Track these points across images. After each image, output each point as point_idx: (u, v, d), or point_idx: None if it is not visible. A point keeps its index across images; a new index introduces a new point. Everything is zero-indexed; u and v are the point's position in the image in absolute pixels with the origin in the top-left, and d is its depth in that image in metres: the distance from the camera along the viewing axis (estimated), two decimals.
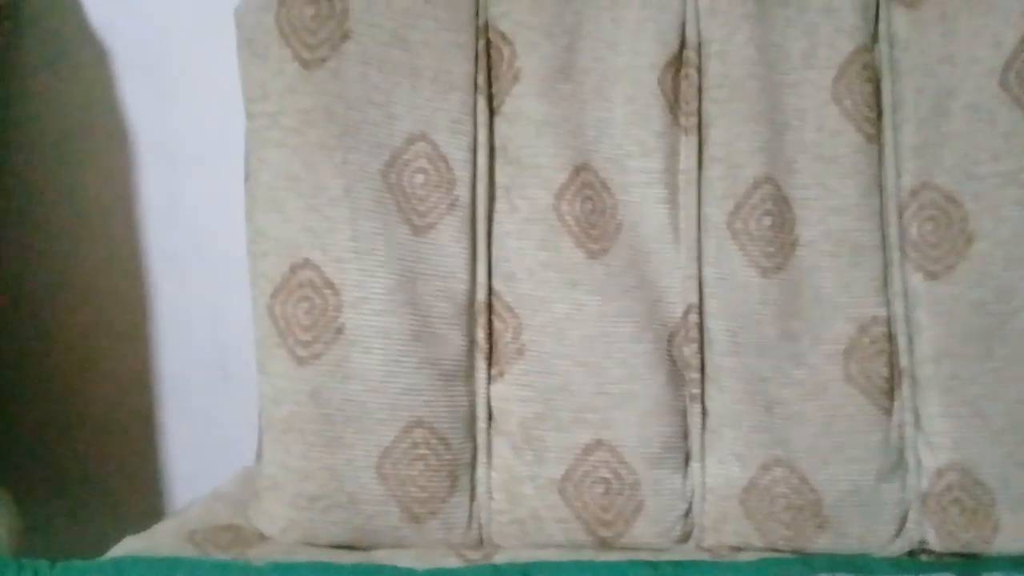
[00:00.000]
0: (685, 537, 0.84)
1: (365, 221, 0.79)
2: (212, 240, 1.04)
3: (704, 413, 0.85)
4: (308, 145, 0.78)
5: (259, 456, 0.82)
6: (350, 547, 0.80)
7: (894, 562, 0.79)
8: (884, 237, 0.86)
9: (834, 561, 0.78)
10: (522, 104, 0.83)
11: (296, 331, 0.78)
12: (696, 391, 0.84)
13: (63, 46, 1.01)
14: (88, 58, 1.00)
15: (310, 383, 0.78)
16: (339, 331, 0.78)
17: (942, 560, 0.82)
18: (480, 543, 0.83)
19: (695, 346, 0.84)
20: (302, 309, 0.78)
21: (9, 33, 0.96)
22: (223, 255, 0.97)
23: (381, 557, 0.78)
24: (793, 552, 0.82)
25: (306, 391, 0.78)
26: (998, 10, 0.84)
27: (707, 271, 0.85)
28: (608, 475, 0.82)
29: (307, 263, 0.78)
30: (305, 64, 0.79)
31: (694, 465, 0.84)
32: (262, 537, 0.79)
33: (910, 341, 0.85)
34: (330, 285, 0.78)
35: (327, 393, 0.78)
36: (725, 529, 0.83)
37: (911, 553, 0.84)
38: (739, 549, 0.83)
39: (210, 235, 1.03)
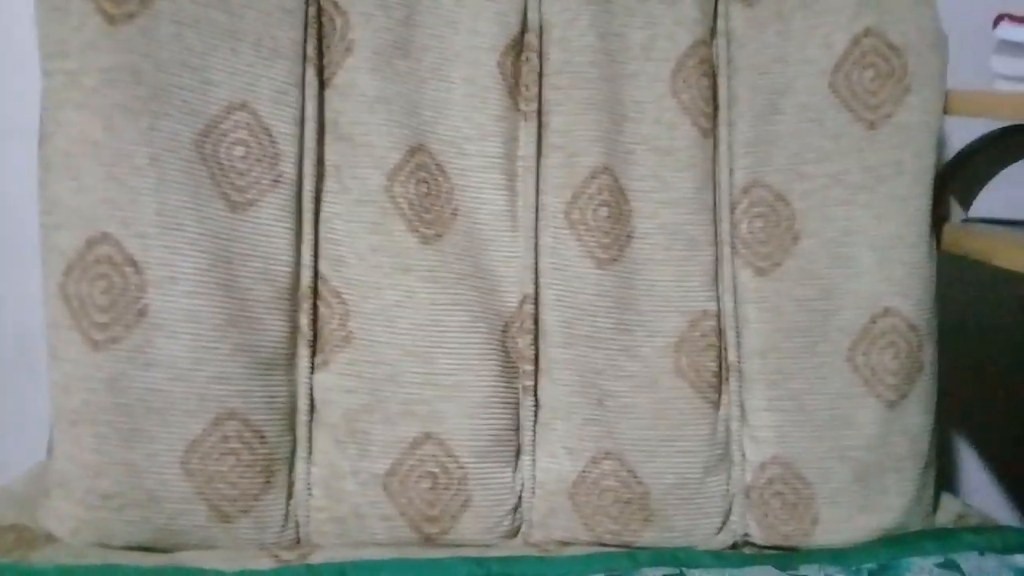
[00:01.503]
0: (513, 533, 0.82)
1: (173, 194, 0.72)
2: (12, 213, 0.94)
3: (536, 406, 0.83)
4: (110, 107, 0.71)
5: (49, 450, 0.75)
6: (150, 548, 0.73)
7: (717, 555, 0.80)
8: (716, 232, 0.86)
9: (659, 555, 0.78)
10: (355, 77, 0.79)
11: (92, 312, 0.71)
12: (529, 383, 0.82)
13: None
14: None
15: (106, 370, 0.71)
16: (141, 313, 0.72)
17: (763, 553, 0.84)
18: (297, 543, 0.78)
19: (529, 337, 0.82)
20: (99, 288, 0.71)
21: None
22: (25, 230, 0.88)
23: (186, 559, 0.72)
24: (620, 546, 0.82)
25: (101, 379, 0.71)
26: (831, 12, 0.86)
27: (544, 261, 0.83)
28: (436, 469, 0.79)
29: (106, 237, 0.71)
30: (110, 19, 0.71)
31: (524, 459, 0.82)
32: (50, 538, 0.72)
33: (738, 336, 0.86)
34: (131, 262, 0.71)
35: (126, 381, 0.71)
36: (553, 524, 0.82)
37: (734, 546, 0.85)
38: (567, 544, 0.82)
39: (10, 208, 0.94)
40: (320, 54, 0.80)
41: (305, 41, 0.79)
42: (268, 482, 0.76)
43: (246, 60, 0.76)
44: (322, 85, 0.80)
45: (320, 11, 0.80)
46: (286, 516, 0.77)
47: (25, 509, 0.74)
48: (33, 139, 0.89)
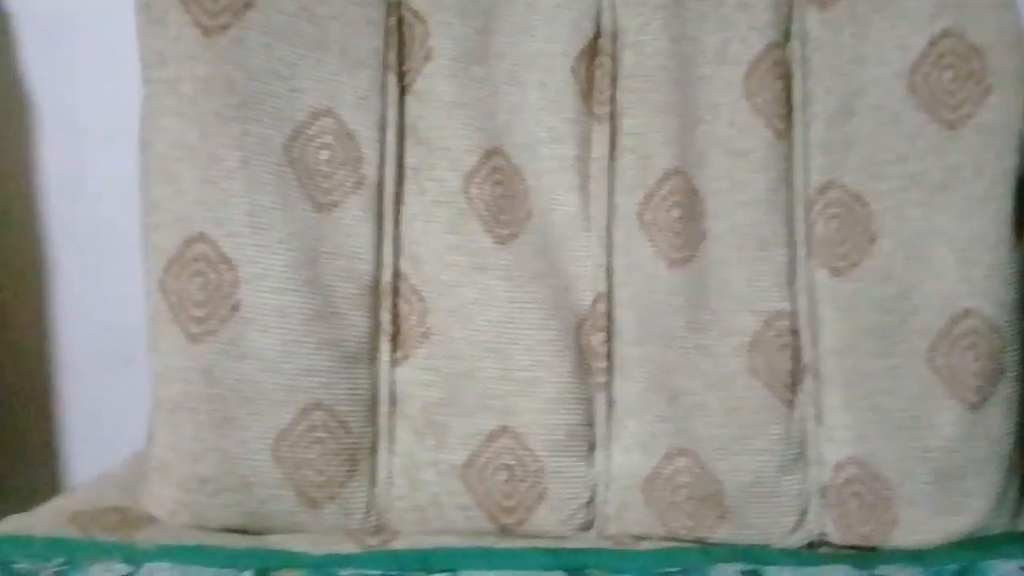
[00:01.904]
0: (587, 525, 0.83)
1: (263, 195, 0.77)
2: (116, 217, 1.00)
3: (610, 402, 0.84)
4: (205, 114, 0.75)
5: (149, 437, 0.79)
6: (242, 531, 0.77)
7: (793, 553, 0.80)
8: (791, 233, 0.87)
9: (733, 551, 0.78)
10: (433, 84, 0.82)
11: (189, 307, 0.76)
12: (602, 380, 0.84)
13: None
14: None
15: (202, 361, 0.75)
16: (235, 308, 0.76)
17: (840, 552, 0.83)
18: (379, 529, 0.81)
19: (603, 335, 0.84)
20: (195, 284, 0.76)
21: None
22: (127, 233, 0.93)
23: (275, 542, 0.75)
24: (694, 541, 0.82)
25: (198, 369, 0.75)
26: (907, 14, 0.85)
27: (617, 260, 0.85)
28: (511, 462, 0.81)
29: (202, 236, 0.75)
30: (205, 31, 0.76)
31: (599, 453, 0.84)
32: (150, 519, 0.76)
33: (814, 336, 0.86)
34: (225, 260, 0.76)
35: (220, 372, 0.75)
36: (627, 518, 0.83)
37: (810, 545, 0.85)
38: (641, 538, 0.83)
39: (114, 212, 1.00)
40: (400, 61, 0.83)
41: (386, 49, 0.82)
42: (352, 470, 0.79)
43: (331, 69, 0.80)
44: (402, 91, 0.83)
45: (401, 21, 0.83)
46: (369, 503, 0.81)
47: (127, 492, 0.79)
48: (122, 145, 0.95)
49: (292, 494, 0.77)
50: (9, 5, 0.96)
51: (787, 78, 0.88)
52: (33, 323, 1.03)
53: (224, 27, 0.77)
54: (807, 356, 0.86)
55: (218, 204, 0.75)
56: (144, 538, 0.72)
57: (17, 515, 0.74)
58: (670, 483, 0.83)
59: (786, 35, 0.88)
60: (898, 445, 0.84)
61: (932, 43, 0.85)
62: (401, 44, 0.83)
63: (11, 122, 0.99)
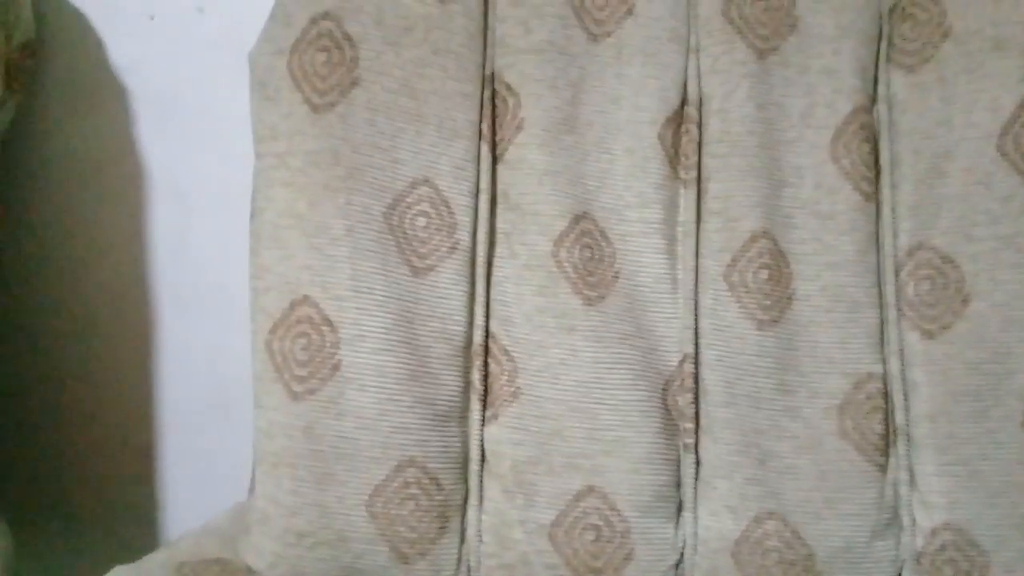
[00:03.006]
0: None
1: (365, 261, 0.80)
2: (218, 278, 1.05)
3: (697, 463, 0.84)
4: (313, 185, 0.80)
5: (251, 490, 0.83)
6: None
7: None
8: (881, 294, 0.86)
9: None
10: (525, 152, 0.85)
11: (293, 366, 0.79)
12: (690, 441, 0.84)
13: (84, 84, 1.04)
14: (108, 97, 1.03)
15: (304, 418, 0.79)
16: (335, 368, 0.79)
17: None
18: None
19: (690, 396, 0.85)
20: (299, 345, 0.79)
21: (32, 71, 0.99)
22: (228, 292, 0.98)
23: None
24: None
25: (300, 426, 0.79)
26: (996, 76, 0.85)
27: (704, 322, 0.85)
28: (599, 522, 0.82)
29: (307, 300, 0.79)
30: (314, 108, 0.81)
31: (686, 515, 0.84)
32: (250, 571, 0.79)
33: (905, 399, 0.85)
34: (328, 322, 0.79)
35: (320, 429, 0.79)
36: None
37: None
38: None
39: (216, 272, 1.05)
40: (493, 132, 0.87)
41: (480, 121, 0.86)
42: (443, 527, 0.81)
43: (429, 140, 0.84)
44: (494, 160, 0.86)
45: (495, 93, 0.87)
46: (459, 560, 0.82)
47: (227, 544, 0.82)
48: (224, 211, 1.00)
49: (386, 549, 0.79)
50: (126, 81, 1.03)
51: (874, 141, 0.88)
52: (139, 378, 1.08)
53: (332, 104, 0.81)
54: (899, 419, 0.85)
55: (324, 269, 0.79)
56: None
57: (124, 566, 0.77)
58: (759, 547, 0.82)
59: (872, 99, 0.89)
60: (995, 511, 0.82)
61: (1022, 104, 0.84)
62: (494, 116, 0.87)
63: (125, 190, 1.05)
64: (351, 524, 0.79)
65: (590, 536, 0.82)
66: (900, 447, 0.84)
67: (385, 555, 0.79)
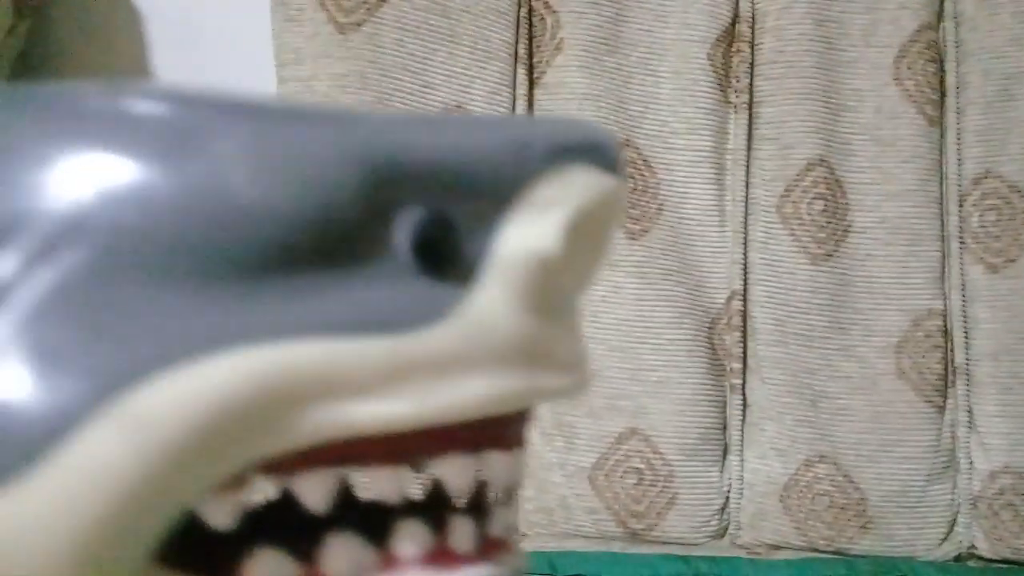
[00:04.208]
0: (721, 533, 0.80)
1: None
2: None
3: (744, 405, 0.81)
4: None
5: None
6: None
7: (941, 567, 0.76)
8: (943, 226, 0.82)
9: (878, 563, 0.75)
10: (564, 76, 0.80)
11: None
12: (737, 381, 0.81)
13: (97, 8, 1.00)
14: (121, 22, 0.99)
15: None
16: None
17: (992, 566, 0.79)
18: None
19: (738, 334, 0.81)
20: None
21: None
22: None
23: None
24: (834, 553, 0.79)
25: None
26: None
27: (753, 256, 0.81)
28: (641, 465, 0.79)
29: None
30: (340, 28, 0.76)
31: (732, 459, 0.81)
32: None
33: (967, 336, 0.81)
34: None
35: None
36: (763, 526, 0.80)
37: (958, 558, 0.80)
38: (777, 547, 0.79)
39: None
40: (531, 54, 0.81)
41: (516, 42, 0.81)
42: None
43: (462, 63, 0.79)
44: (531, 84, 0.81)
45: (531, 12, 0.81)
46: None
47: None
48: None
49: None
50: (140, 6, 0.99)
51: (940, 61, 0.82)
52: None
53: (358, 24, 0.76)
54: (959, 358, 0.81)
55: None
56: None
57: None
58: (809, 491, 0.79)
59: (939, 16, 0.83)
60: None
61: None
62: (531, 36, 0.81)
63: None
64: None
65: (632, 479, 0.79)
66: (960, 387, 0.81)
67: None
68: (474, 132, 0.20)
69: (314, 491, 0.18)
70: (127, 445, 0.15)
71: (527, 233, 0.19)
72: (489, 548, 0.20)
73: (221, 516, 0.17)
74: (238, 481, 0.17)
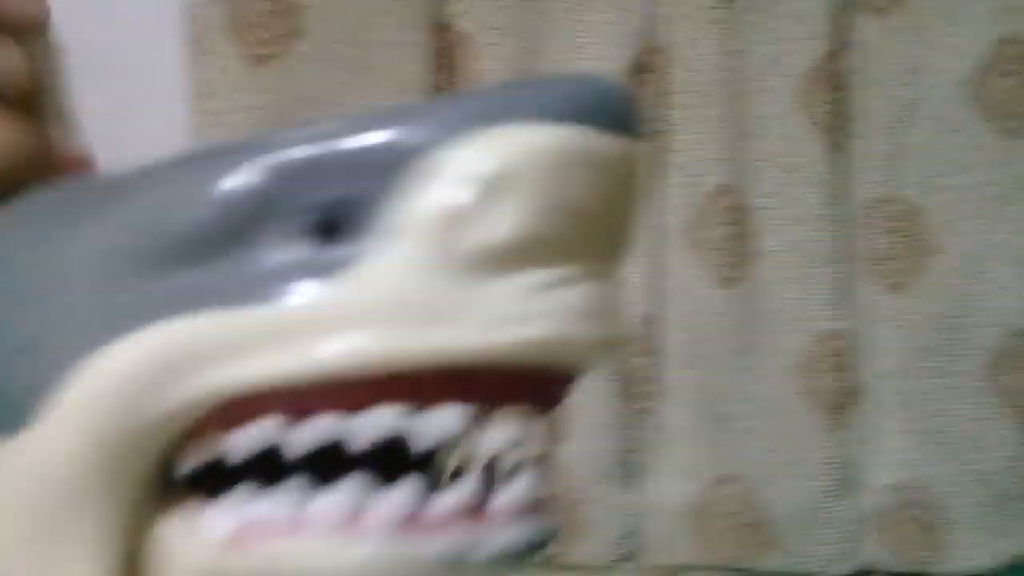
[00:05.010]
0: (630, 555, 0.82)
1: None
2: None
3: (656, 428, 0.83)
4: None
5: None
6: None
7: None
8: (846, 249, 0.85)
9: None
10: None
11: None
12: (649, 404, 0.83)
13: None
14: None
15: None
16: None
17: None
18: None
19: (649, 358, 0.83)
20: None
21: None
22: None
23: None
24: (741, 571, 0.82)
25: None
26: (967, 22, 0.82)
27: (664, 281, 0.83)
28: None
29: None
30: (255, 60, 0.76)
31: (644, 481, 0.83)
32: None
33: (868, 356, 0.84)
34: None
35: None
36: (673, 547, 0.82)
37: (861, 572, 0.84)
38: (686, 568, 0.82)
39: None
40: (449, 84, 0.82)
41: (434, 72, 0.81)
42: None
43: (378, 94, 0.79)
44: None
45: (449, 43, 0.82)
46: None
47: None
48: None
49: None
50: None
51: (843, 89, 0.85)
52: None
53: (272, 56, 0.76)
54: (861, 376, 0.84)
55: None
56: None
57: None
58: (716, 510, 0.82)
59: (842, 45, 0.86)
60: (953, 467, 0.82)
61: (995, 50, 0.82)
62: (451, 66, 0.82)
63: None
64: None
65: None
66: (861, 405, 0.84)
67: None
68: (361, 121, 0.21)
69: (256, 439, 0.21)
70: (93, 398, 0.21)
71: (430, 195, 0.21)
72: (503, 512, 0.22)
73: (189, 462, 0.22)
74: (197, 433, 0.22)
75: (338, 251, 0.21)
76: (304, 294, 0.21)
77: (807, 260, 0.84)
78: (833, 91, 0.84)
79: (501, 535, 0.21)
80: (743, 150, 0.84)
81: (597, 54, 0.83)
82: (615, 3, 0.83)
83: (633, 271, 0.83)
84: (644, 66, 0.84)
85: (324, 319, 0.20)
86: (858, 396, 0.84)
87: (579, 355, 0.22)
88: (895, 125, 0.84)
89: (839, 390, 0.83)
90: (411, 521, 0.21)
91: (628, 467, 0.83)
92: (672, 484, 0.82)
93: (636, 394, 0.83)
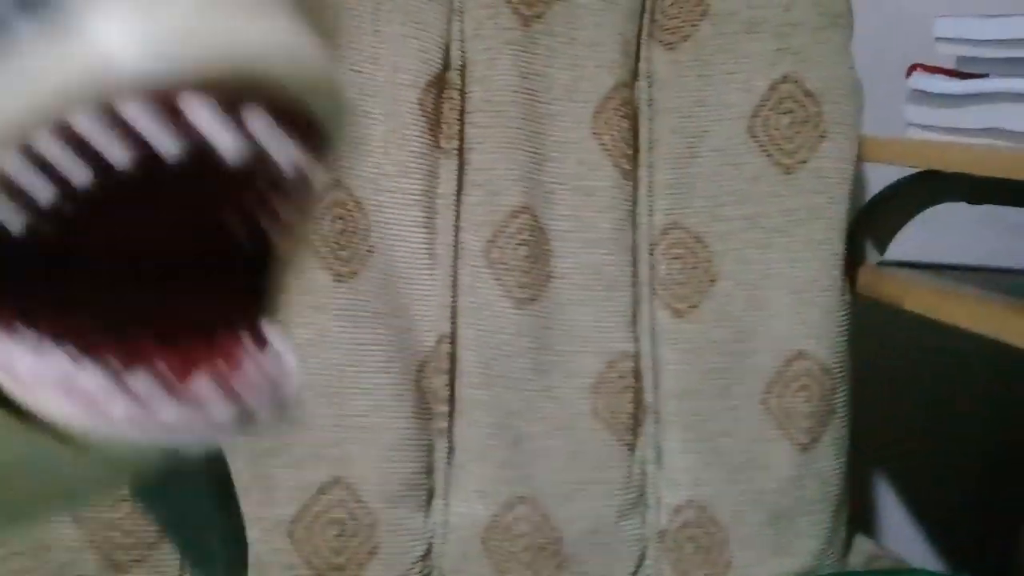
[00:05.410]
0: None
1: None
2: None
3: (451, 448, 0.81)
4: None
5: None
6: None
7: None
8: (636, 273, 0.86)
9: None
10: None
11: None
12: (444, 425, 0.81)
13: None
14: None
15: None
16: None
17: None
18: None
19: (445, 377, 0.81)
20: None
21: None
22: None
23: None
24: None
25: None
26: (751, 58, 0.86)
27: (462, 300, 0.82)
28: (343, 515, 0.77)
29: None
30: None
31: (437, 503, 0.81)
32: None
33: (656, 378, 0.86)
34: None
35: None
36: (466, 570, 0.80)
37: None
38: None
39: None
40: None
41: None
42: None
43: None
44: None
45: None
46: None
47: None
48: None
49: (95, 557, 0.70)
50: None
51: (634, 118, 0.87)
52: None
53: None
54: (649, 398, 0.85)
55: None
56: None
57: None
58: (509, 532, 0.80)
59: (634, 74, 0.88)
60: (733, 487, 0.85)
61: (772, 87, 0.86)
62: None
63: None
64: (53, 531, 0.69)
65: (333, 531, 0.76)
66: (649, 426, 0.85)
67: (94, 564, 0.70)
68: None
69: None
70: None
71: None
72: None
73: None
74: None
75: None
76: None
77: (601, 283, 0.85)
78: (625, 119, 0.86)
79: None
80: (540, 172, 0.84)
81: (395, 65, 0.81)
82: (414, 17, 0.81)
83: (433, 289, 0.81)
84: (445, 82, 0.83)
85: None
86: (646, 416, 0.85)
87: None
88: (682, 156, 0.87)
89: (631, 411, 0.84)
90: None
91: (422, 488, 0.80)
92: (467, 505, 0.80)
93: (431, 413, 0.81)
